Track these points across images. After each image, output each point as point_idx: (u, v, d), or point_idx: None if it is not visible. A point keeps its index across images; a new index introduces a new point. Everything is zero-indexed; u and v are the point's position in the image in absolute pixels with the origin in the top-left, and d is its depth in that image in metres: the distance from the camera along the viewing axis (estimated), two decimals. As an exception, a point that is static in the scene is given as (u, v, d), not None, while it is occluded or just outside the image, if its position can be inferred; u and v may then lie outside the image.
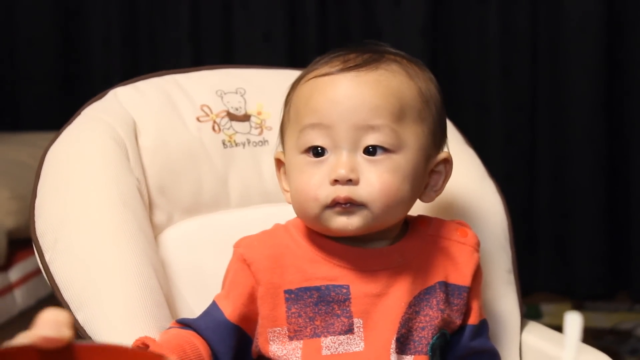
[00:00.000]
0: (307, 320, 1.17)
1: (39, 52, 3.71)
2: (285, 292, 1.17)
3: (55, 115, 3.58)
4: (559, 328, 1.22)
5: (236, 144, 1.47)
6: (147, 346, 1.12)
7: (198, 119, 1.45)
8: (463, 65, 3.50)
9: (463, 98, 3.50)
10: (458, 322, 1.24)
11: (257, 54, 3.50)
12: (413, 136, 1.17)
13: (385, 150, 1.15)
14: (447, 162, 1.24)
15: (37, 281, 2.78)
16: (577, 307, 3.36)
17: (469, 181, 1.49)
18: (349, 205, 1.14)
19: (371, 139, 1.14)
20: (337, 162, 1.14)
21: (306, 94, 1.19)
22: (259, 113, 1.50)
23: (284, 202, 1.45)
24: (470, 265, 1.24)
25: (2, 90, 3.78)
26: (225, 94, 1.49)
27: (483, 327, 1.28)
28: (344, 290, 1.17)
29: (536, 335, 1.43)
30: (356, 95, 1.15)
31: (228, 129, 1.47)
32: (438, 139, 1.23)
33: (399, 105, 1.16)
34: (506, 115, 3.48)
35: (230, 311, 1.18)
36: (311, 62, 1.24)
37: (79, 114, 1.40)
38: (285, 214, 1.29)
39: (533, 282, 3.49)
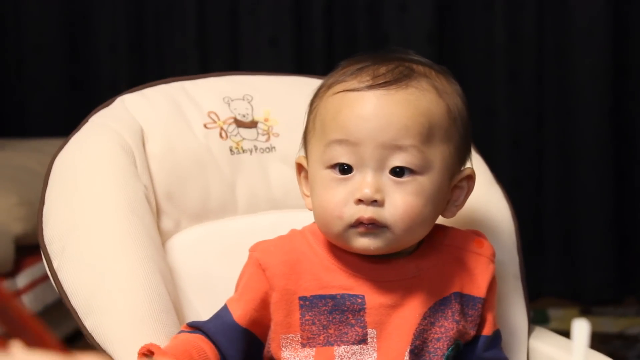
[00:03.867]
0: (321, 328, 1.17)
1: (46, 58, 3.72)
2: (300, 298, 1.17)
3: (63, 122, 3.59)
4: (566, 333, 1.22)
5: (243, 151, 1.47)
6: (152, 353, 1.12)
7: (205, 126, 1.45)
8: (470, 70, 3.50)
9: (470, 103, 3.47)
10: (472, 332, 1.24)
11: (264, 59, 3.51)
12: (439, 156, 1.17)
13: (411, 171, 1.15)
14: (470, 178, 1.24)
15: (44, 287, 2.79)
16: (585, 312, 3.36)
17: (476, 187, 1.48)
18: (371, 227, 1.14)
19: (398, 160, 1.14)
20: (363, 182, 1.14)
21: (334, 108, 1.18)
22: (266, 120, 1.50)
23: (291, 208, 1.45)
24: (485, 276, 1.24)
25: (9, 97, 3.79)
26: (232, 100, 1.49)
27: (496, 338, 1.28)
28: (359, 300, 1.17)
29: (544, 341, 1.43)
30: (385, 114, 1.14)
31: (235, 135, 1.47)
32: (463, 155, 1.23)
33: (427, 125, 1.16)
34: (513, 120, 3.48)
35: (240, 314, 1.18)
36: (338, 67, 1.23)
37: (87, 121, 1.41)
38: (293, 220, 1.30)
39: (540, 287, 3.49)
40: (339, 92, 1.18)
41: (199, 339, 1.17)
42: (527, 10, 3.44)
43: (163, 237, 1.38)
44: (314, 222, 1.25)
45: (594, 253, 3.44)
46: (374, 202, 1.13)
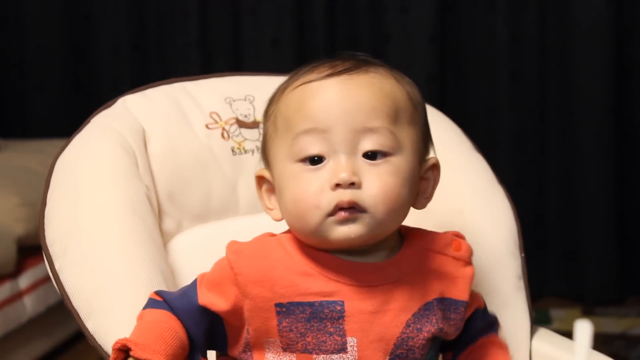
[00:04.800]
0: (299, 335, 1.13)
1: (48, 59, 3.72)
2: (276, 305, 1.13)
3: (64, 122, 3.60)
4: (568, 334, 1.22)
5: (245, 151, 1.47)
6: (126, 347, 1.09)
7: (207, 126, 1.45)
8: (472, 71, 3.50)
9: (472, 104, 3.50)
10: (454, 335, 1.22)
11: (266, 60, 3.51)
12: (408, 139, 1.14)
13: (384, 154, 1.11)
14: (435, 167, 1.20)
15: (46, 288, 2.79)
16: (587, 312, 3.36)
17: (478, 187, 1.49)
18: (351, 211, 1.09)
19: (369, 143, 1.11)
20: (337, 166, 1.10)
21: (296, 101, 1.14)
22: (268, 120, 1.50)
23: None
24: (466, 280, 1.21)
25: (11, 97, 3.80)
26: (234, 101, 1.49)
27: (485, 307, 1.28)
28: (338, 308, 1.13)
29: (546, 341, 1.43)
30: (352, 97, 1.12)
31: (237, 136, 1.47)
32: (427, 143, 1.20)
33: (394, 107, 1.13)
34: (515, 120, 3.48)
35: (206, 302, 1.14)
36: (289, 76, 1.20)
37: (89, 122, 1.41)
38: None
39: (543, 288, 3.49)
40: (298, 87, 1.15)
41: (168, 317, 1.13)
42: (529, 10, 3.44)
43: (165, 237, 1.38)
44: (287, 230, 1.20)
45: (596, 253, 3.44)
46: (352, 185, 1.09)
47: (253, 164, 1.47)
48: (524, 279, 1.45)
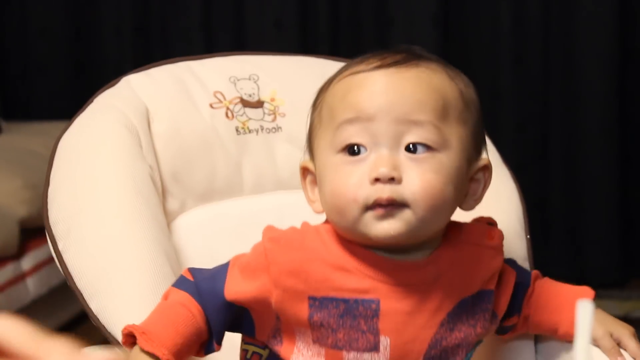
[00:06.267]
0: (330, 331, 1.10)
1: (51, 41, 3.72)
2: (310, 298, 1.10)
3: (67, 105, 3.59)
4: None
5: (249, 131, 1.46)
6: (133, 336, 1.08)
7: (211, 106, 1.45)
8: (475, 54, 3.49)
9: (475, 87, 3.48)
10: (494, 327, 1.20)
11: (269, 42, 3.51)
12: (456, 136, 1.10)
13: (428, 148, 1.08)
14: (487, 169, 1.17)
15: (49, 270, 2.80)
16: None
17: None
18: (390, 208, 1.06)
19: (413, 136, 1.07)
20: (378, 160, 1.07)
21: (342, 91, 1.12)
22: (273, 99, 1.49)
23: (297, 189, 1.44)
24: (495, 269, 1.18)
25: (14, 80, 3.80)
26: (238, 80, 1.49)
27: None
28: (373, 306, 1.10)
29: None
30: (398, 88, 1.09)
31: (241, 115, 1.47)
32: (479, 144, 1.16)
33: (442, 102, 1.10)
34: (519, 104, 3.48)
35: (232, 292, 1.11)
36: (340, 68, 1.19)
37: (92, 101, 1.41)
38: (299, 201, 1.28)
39: (545, 270, 3.47)
40: (345, 77, 1.14)
41: (188, 302, 1.11)
42: (533, -7, 3.44)
43: (168, 217, 1.38)
44: (326, 221, 1.17)
45: (599, 236, 3.44)
46: (392, 180, 1.06)
47: (257, 143, 1.47)
48: (529, 260, 1.45)
